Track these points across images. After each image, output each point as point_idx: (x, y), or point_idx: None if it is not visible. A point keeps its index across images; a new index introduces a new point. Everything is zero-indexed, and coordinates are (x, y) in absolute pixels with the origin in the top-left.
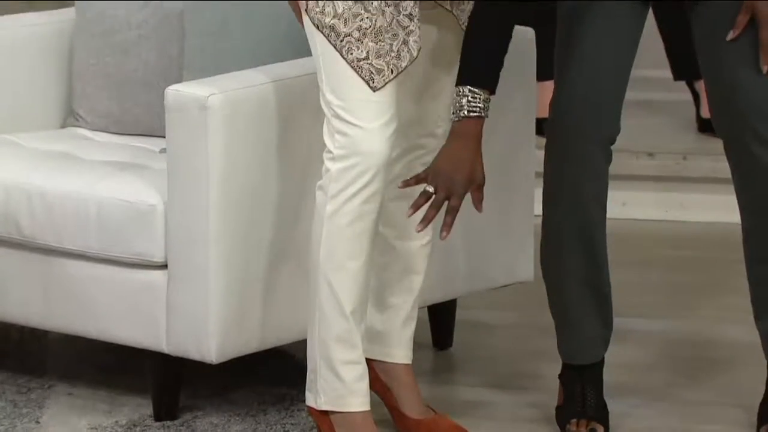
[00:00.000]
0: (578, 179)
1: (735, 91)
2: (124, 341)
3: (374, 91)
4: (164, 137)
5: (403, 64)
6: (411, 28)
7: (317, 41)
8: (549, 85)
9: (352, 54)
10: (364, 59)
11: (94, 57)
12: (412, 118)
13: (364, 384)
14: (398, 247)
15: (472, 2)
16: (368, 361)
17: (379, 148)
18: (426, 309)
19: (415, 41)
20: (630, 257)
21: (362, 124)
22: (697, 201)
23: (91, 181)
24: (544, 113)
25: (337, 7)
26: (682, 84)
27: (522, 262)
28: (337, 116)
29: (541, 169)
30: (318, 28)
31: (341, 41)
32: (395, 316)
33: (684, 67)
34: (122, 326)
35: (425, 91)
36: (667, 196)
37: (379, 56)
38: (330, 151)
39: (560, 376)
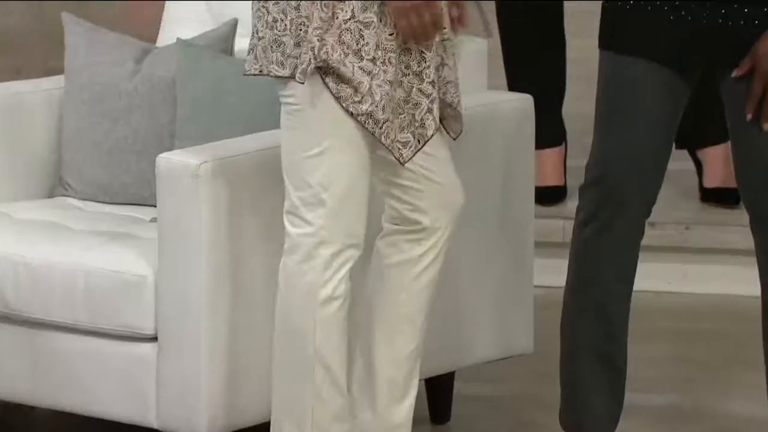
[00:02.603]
0: (603, 251)
1: (762, 165)
2: (112, 416)
3: (403, 164)
4: (155, 206)
5: (429, 133)
6: (434, 95)
7: (346, 129)
8: (549, 153)
9: (389, 137)
10: (393, 139)
11: (84, 125)
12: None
13: None
14: (423, 330)
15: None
16: None
17: (363, 231)
18: (423, 382)
19: (438, 107)
20: (632, 329)
21: (355, 208)
22: (701, 272)
23: (79, 251)
24: (544, 181)
25: (375, 95)
26: (685, 153)
27: (521, 334)
28: (336, 200)
29: (540, 239)
30: (352, 115)
31: (380, 128)
32: (409, 400)
33: (687, 135)
34: (110, 401)
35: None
36: (669, 267)
37: (402, 129)
38: (314, 235)
39: None
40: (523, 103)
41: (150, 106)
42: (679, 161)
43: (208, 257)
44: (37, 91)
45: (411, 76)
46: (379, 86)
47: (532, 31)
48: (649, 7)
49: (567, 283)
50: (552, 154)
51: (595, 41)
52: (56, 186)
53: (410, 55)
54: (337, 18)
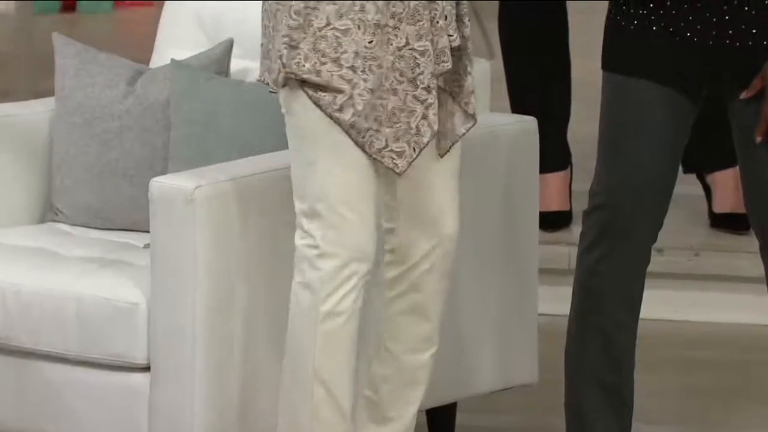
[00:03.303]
0: (607, 278)
1: None
2: None
3: (400, 174)
4: (148, 232)
5: (425, 140)
6: (429, 100)
7: (332, 138)
8: (553, 177)
9: (374, 146)
10: (384, 148)
11: (75, 148)
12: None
13: None
14: (405, 360)
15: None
16: None
17: (371, 242)
18: (424, 413)
19: (435, 113)
20: (638, 359)
21: (355, 218)
22: (710, 300)
23: (70, 278)
24: (549, 206)
25: (357, 105)
26: (693, 177)
27: (525, 364)
28: (332, 211)
29: (545, 265)
30: (338, 123)
31: (363, 137)
32: (393, 428)
33: (695, 159)
34: None
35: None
36: (677, 295)
37: (397, 139)
38: (317, 247)
39: None
40: (527, 125)
41: (143, 128)
42: (688, 185)
43: (202, 284)
44: (27, 114)
45: (405, 83)
46: (361, 95)
47: (535, 52)
48: (653, 27)
49: (571, 311)
50: (556, 178)
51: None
52: (46, 211)
53: (404, 62)
54: (312, 25)
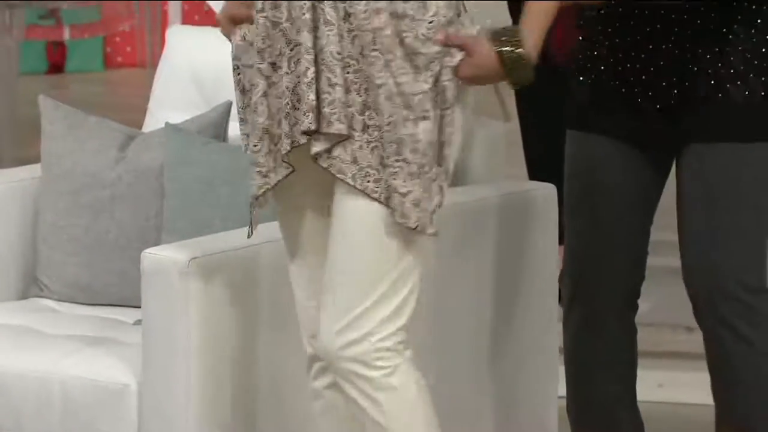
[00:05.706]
0: (590, 345)
1: None
2: None
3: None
4: (139, 307)
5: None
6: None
7: None
8: None
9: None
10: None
11: (62, 219)
12: None
13: None
14: None
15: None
16: None
17: (308, 325)
18: None
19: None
20: None
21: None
22: None
23: (55, 358)
24: None
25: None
26: None
27: None
28: None
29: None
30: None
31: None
32: None
33: None
34: None
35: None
36: (709, 377)
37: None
38: None
39: None
40: (545, 192)
41: (135, 197)
42: None
43: (197, 363)
44: (11, 182)
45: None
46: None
47: (552, 116)
48: (610, 83)
49: (566, 390)
50: None
51: None
52: (30, 286)
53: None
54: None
